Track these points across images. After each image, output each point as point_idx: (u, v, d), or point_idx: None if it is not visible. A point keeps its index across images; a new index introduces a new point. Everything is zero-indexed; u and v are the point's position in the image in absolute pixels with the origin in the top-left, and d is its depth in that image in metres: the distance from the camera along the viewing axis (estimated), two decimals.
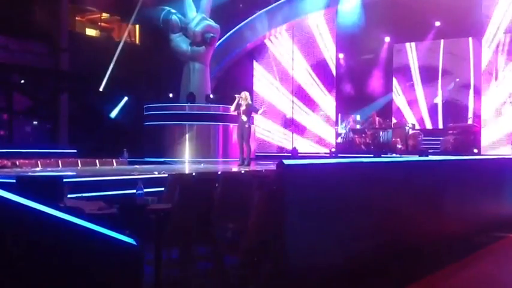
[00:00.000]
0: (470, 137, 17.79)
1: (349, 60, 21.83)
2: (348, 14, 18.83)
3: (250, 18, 19.53)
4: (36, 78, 18.60)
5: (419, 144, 17.86)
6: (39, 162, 11.07)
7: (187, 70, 17.71)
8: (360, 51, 21.11)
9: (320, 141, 19.72)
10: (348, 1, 18.86)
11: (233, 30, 19.49)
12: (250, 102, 12.45)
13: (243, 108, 12.18)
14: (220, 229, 4.87)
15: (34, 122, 19.36)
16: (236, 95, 12.28)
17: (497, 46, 16.95)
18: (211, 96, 17.22)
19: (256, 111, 13.12)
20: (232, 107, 12.37)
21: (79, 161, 11.65)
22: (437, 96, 21.72)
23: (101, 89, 18.11)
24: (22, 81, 18.43)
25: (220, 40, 18.63)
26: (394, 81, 22.29)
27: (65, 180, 6.76)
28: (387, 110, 21.77)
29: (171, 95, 18.43)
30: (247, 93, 12.49)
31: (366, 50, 21.08)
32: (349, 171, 5.34)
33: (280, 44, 20.03)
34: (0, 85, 18.04)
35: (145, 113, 16.93)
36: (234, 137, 14.15)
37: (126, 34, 18.89)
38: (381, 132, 18.50)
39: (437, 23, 20.18)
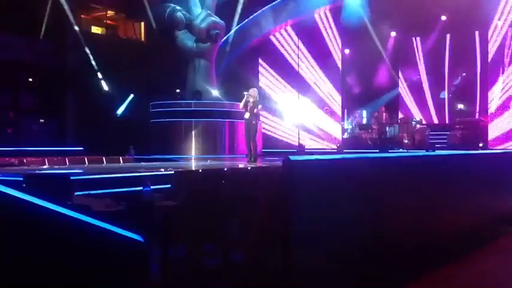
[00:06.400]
0: (477, 132, 17.72)
1: (355, 56, 21.75)
2: (353, 9, 18.77)
3: (255, 15, 19.50)
4: (43, 76, 18.65)
5: (426, 139, 17.80)
6: (46, 160, 11.11)
7: (192, 67, 17.72)
8: (366, 46, 21.02)
9: (326, 137, 19.69)
10: None
11: (238, 26, 19.47)
12: (258, 99, 12.44)
13: (250, 105, 12.18)
14: (227, 225, 4.88)
15: (41, 120, 19.41)
16: (244, 92, 12.26)
17: (504, 40, 16.86)
18: (216, 92, 17.23)
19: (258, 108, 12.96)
20: (241, 104, 12.37)
21: (86, 159, 11.67)
22: (444, 90, 21.63)
23: (106, 89, 18.18)
24: (29, 80, 18.48)
25: (226, 36, 18.62)
26: (401, 76, 22.20)
27: (72, 178, 6.78)
28: (393, 105, 21.68)
29: (178, 91, 18.46)
30: (255, 90, 12.47)
31: (372, 45, 20.98)
32: (355, 167, 5.33)
33: (285, 39, 19.99)
34: (6, 83, 18.10)
35: (151, 110, 16.96)
36: (242, 133, 14.16)
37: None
38: (388, 128, 18.46)
39: (443, 17, 20.07)
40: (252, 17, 19.56)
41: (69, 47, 18.89)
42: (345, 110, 20.99)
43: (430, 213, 6.37)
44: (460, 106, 21.05)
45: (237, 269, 5.34)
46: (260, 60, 20.18)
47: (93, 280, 2.82)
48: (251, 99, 12.17)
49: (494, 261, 6.45)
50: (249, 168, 8.67)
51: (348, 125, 20.55)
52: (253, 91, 12.33)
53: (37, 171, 8.45)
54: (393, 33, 21.75)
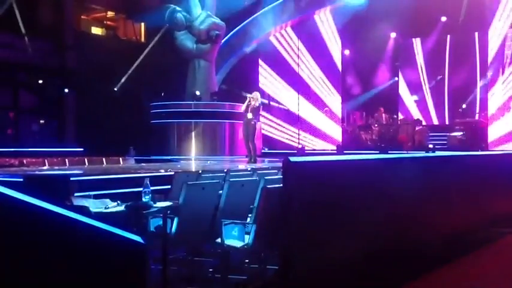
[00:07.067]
0: (477, 133, 17.71)
1: (355, 56, 21.77)
2: (353, 9, 18.76)
3: (255, 15, 19.51)
4: (43, 76, 18.67)
5: (426, 140, 17.81)
6: (46, 160, 11.11)
7: (192, 68, 17.73)
8: (366, 47, 21.04)
9: (326, 138, 19.71)
10: None
11: (238, 27, 19.48)
12: (260, 102, 12.59)
13: (251, 107, 12.28)
14: (227, 226, 4.88)
15: (41, 121, 19.42)
16: (248, 95, 12.38)
17: (504, 40, 16.87)
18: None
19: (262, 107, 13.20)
20: (243, 107, 12.49)
21: (86, 160, 11.68)
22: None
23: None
24: (29, 80, 18.49)
25: (226, 37, 18.62)
26: (401, 76, 22.21)
27: (72, 178, 6.79)
28: (393, 106, 21.70)
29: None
30: (258, 94, 12.65)
31: (372, 46, 21.00)
32: (355, 168, 5.33)
33: (285, 40, 19.99)
34: (6, 83, 18.11)
35: (151, 111, 16.97)
36: (241, 134, 14.19)
37: None
38: (388, 128, 18.46)
39: (443, 18, 20.09)
40: (252, 17, 19.56)
41: (69, 47, 18.90)
42: (345, 111, 21.01)
43: (429, 214, 6.37)
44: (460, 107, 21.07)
45: (238, 269, 5.34)
46: (260, 61, 20.18)
47: (92, 281, 2.82)
48: (253, 102, 12.27)
49: (494, 262, 6.45)
50: (249, 169, 8.67)
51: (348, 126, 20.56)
52: (256, 95, 12.50)
53: (37, 172, 8.45)
54: (393, 34, 21.77)
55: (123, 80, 18.52)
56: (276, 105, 19.87)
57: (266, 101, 18.61)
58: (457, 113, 20.64)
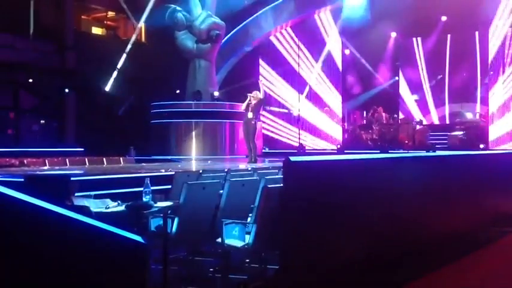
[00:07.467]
0: (477, 132, 17.71)
1: (355, 56, 21.75)
2: (354, 9, 18.75)
3: (255, 15, 19.50)
4: (43, 76, 18.67)
5: (426, 139, 17.79)
6: (46, 160, 11.10)
7: (192, 67, 17.73)
8: (366, 47, 21.02)
9: (326, 137, 19.70)
10: None
11: (238, 27, 19.47)
12: (261, 97, 12.52)
13: (252, 106, 12.23)
14: (227, 226, 4.88)
15: (41, 121, 19.43)
16: (248, 94, 12.32)
17: (504, 40, 16.85)
18: (216, 94, 17.22)
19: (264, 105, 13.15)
20: (243, 106, 12.45)
21: (86, 160, 11.67)
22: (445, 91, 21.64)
23: (107, 89, 18.21)
24: (30, 80, 18.48)
25: (226, 37, 18.61)
26: (401, 76, 22.20)
27: (72, 178, 6.78)
28: (394, 105, 21.68)
29: (178, 92, 18.48)
30: (258, 92, 12.56)
31: (372, 46, 20.98)
32: (356, 167, 5.33)
33: (285, 40, 19.98)
34: (7, 84, 18.11)
35: (152, 111, 16.96)
36: (241, 134, 14.18)
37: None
38: (388, 128, 18.45)
39: (444, 18, 20.08)
40: (252, 17, 19.54)
41: (69, 47, 18.91)
42: (346, 110, 20.99)
43: (429, 214, 6.37)
44: (460, 108, 21.06)
45: (238, 269, 5.34)
46: (260, 60, 20.16)
47: (92, 281, 2.82)
48: (253, 101, 12.22)
49: (494, 262, 6.44)
50: (249, 168, 8.66)
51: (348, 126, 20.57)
52: (256, 93, 12.40)
53: (37, 172, 8.45)
54: (393, 34, 21.75)
55: (118, 79, 18.51)
56: (277, 109, 19.88)
57: (267, 107, 18.68)
58: (458, 113, 20.65)
